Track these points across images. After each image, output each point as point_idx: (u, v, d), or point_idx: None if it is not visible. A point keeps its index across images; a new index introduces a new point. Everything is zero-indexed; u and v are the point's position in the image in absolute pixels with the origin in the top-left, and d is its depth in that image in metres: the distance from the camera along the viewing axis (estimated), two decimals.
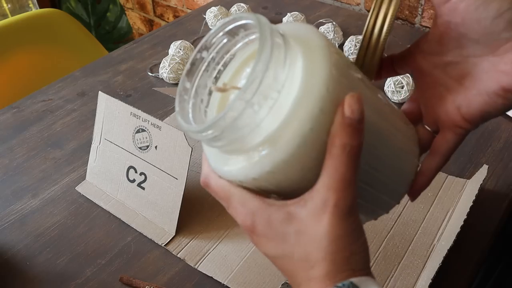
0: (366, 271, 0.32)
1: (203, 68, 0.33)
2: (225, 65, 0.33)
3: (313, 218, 0.31)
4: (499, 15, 0.31)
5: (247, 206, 0.32)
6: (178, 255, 0.61)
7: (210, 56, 0.32)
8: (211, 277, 0.58)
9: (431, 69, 0.37)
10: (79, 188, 0.71)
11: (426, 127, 0.40)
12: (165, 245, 0.62)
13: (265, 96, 0.28)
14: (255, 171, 0.30)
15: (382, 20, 0.37)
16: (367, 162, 0.33)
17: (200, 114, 0.32)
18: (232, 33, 0.32)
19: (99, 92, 0.69)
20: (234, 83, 0.33)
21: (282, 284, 0.55)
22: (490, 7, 0.31)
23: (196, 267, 0.60)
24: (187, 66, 0.32)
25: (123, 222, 0.66)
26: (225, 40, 0.32)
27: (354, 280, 0.31)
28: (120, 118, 0.67)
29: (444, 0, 0.33)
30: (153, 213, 0.65)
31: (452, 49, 0.35)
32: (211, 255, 0.61)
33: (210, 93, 0.33)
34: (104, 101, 0.68)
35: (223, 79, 0.33)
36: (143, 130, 0.65)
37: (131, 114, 0.66)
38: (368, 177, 0.34)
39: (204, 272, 0.59)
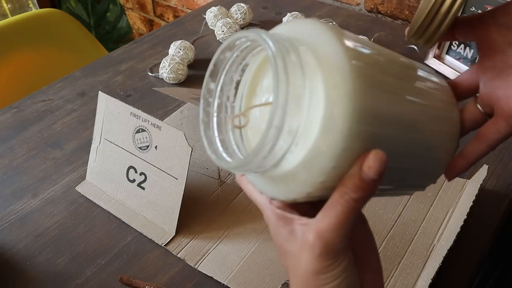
0: None
1: (228, 65, 0.33)
2: (246, 66, 0.33)
3: (298, 248, 0.31)
4: None
5: (263, 211, 0.33)
6: (178, 255, 0.61)
7: (235, 55, 0.32)
8: (211, 277, 0.58)
9: (505, 46, 0.32)
10: (79, 188, 0.71)
11: (479, 106, 0.36)
12: (165, 245, 0.62)
13: (288, 125, 0.27)
14: (281, 196, 0.31)
15: None
16: (402, 145, 0.32)
17: (225, 119, 0.32)
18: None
19: (99, 92, 0.69)
20: (252, 91, 0.33)
21: (282, 284, 0.55)
22: None
23: (196, 267, 0.60)
24: (210, 66, 0.32)
25: (123, 222, 0.66)
26: (248, 43, 0.32)
27: None
28: (120, 118, 0.67)
29: None
30: (153, 213, 0.65)
31: None
32: (211, 255, 0.61)
33: (236, 87, 0.33)
34: (104, 101, 0.68)
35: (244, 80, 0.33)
36: (143, 130, 0.65)
37: (131, 114, 0.66)
38: (402, 160, 0.33)
39: (204, 272, 0.59)
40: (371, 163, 0.27)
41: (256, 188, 0.33)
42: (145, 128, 0.64)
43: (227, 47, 0.32)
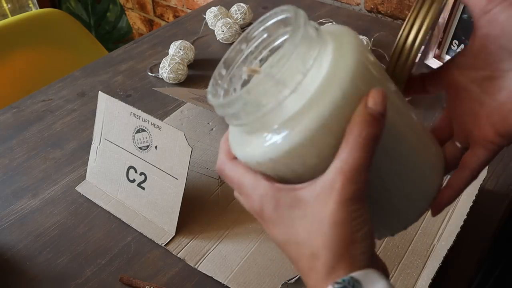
0: (367, 262, 0.31)
1: (241, 59, 0.33)
2: (262, 60, 0.34)
3: (319, 201, 0.31)
4: None
5: (257, 191, 0.32)
6: (178, 255, 0.61)
7: (249, 50, 0.33)
8: (211, 277, 0.58)
9: (467, 84, 0.36)
10: (79, 188, 0.71)
11: (457, 143, 0.40)
12: (165, 245, 0.62)
13: (290, 76, 0.29)
14: (272, 151, 0.30)
15: (418, 28, 0.35)
16: (387, 174, 0.33)
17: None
18: (272, 29, 0.33)
19: (99, 92, 0.69)
20: None
21: (282, 284, 0.55)
22: None
23: (196, 267, 0.60)
24: (226, 54, 0.33)
25: (123, 222, 0.66)
26: (265, 35, 0.33)
27: (355, 274, 0.30)
28: (120, 118, 0.67)
29: (483, 12, 0.32)
30: (153, 213, 0.65)
31: (491, 63, 0.34)
32: (211, 255, 0.61)
33: (244, 84, 0.34)
34: (104, 101, 0.68)
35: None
36: (143, 130, 0.65)
37: (131, 114, 0.66)
38: (387, 190, 0.34)
39: (204, 272, 0.59)
40: (375, 98, 0.29)
41: (246, 167, 0.33)
42: (145, 128, 0.64)
43: (244, 38, 0.33)
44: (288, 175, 0.32)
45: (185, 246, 0.62)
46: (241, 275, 0.58)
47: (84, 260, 0.61)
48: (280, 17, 0.32)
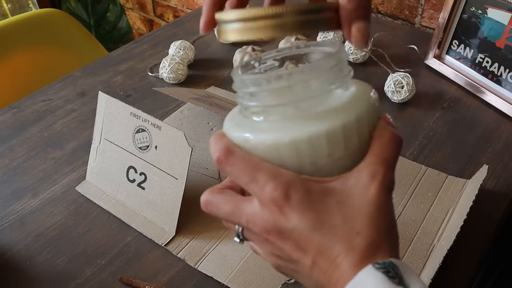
0: (398, 255, 0.33)
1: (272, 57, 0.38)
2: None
3: (358, 188, 0.32)
4: None
5: (281, 178, 0.32)
6: (178, 255, 0.61)
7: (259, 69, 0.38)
8: (211, 277, 0.58)
9: None
10: (79, 188, 0.71)
11: None
12: (165, 245, 0.62)
13: (328, 80, 0.34)
14: (297, 134, 0.32)
15: None
16: None
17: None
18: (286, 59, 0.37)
19: (99, 92, 0.69)
20: None
21: (282, 284, 0.55)
22: None
23: (196, 267, 0.60)
24: (241, 63, 0.38)
25: (123, 222, 0.66)
26: (276, 64, 0.37)
27: (394, 260, 0.31)
28: (120, 118, 0.67)
29: None
30: (153, 213, 0.65)
31: None
32: (211, 255, 0.61)
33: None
34: (104, 101, 0.68)
35: None
36: (143, 130, 0.65)
37: (131, 114, 0.66)
38: None
39: (204, 272, 0.59)
40: (387, 118, 0.36)
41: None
42: (145, 128, 0.64)
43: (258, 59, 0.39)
44: (306, 168, 0.33)
45: (185, 246, 0.62)
46: (241, 275, 0.58)
47: (84, 260, 0.61)
48: (324, 49, 0.38)
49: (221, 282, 0.57)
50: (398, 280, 0.30)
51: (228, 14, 0.35)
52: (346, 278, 0.31)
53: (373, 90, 0.37)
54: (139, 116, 0.65)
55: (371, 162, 0.33)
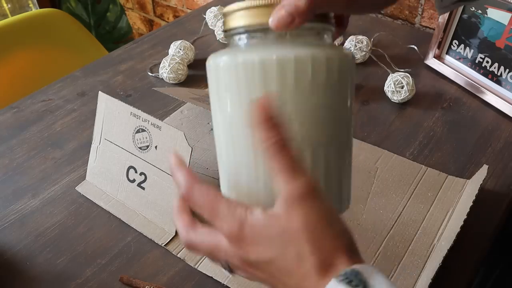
0: (358, 256, 0.32)
1: None
2: None
3: (286, 215, 0.32)
4: None
5: (235, 214, 0.33)
6: (178, 255, 0.61)
7: None
8: (211, 277, 0.58)
9: None
10: (79, 188, 0.71)
11: None
12: (165, 245, 0.62)
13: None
14: (284, 53, 0.35)
15: None
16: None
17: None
18: None
19: (99, 92, 0.69)
20: None
21: None
22: None
23: (196, 267, 0.60)
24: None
25: (123, 222, 0.66)
26: None
27: (356, 267, 0.31)
28: (120, 118, 0.67)
29: None
30: (153, 213, 0.65)
31: None
32: None
33: None
34: (104, 101, 0.68)
35: None
36: (143, 130, 0.65)
37: (131, 114, 0.66)
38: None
39: (204, 272, 0.59)
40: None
41: (216, 193, 0.35)
42: (145, 128, 0.64)
43: None
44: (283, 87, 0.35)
45: None
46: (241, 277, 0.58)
47: (84, 260, 0.61)
48: None
49: (221, 282, 0.57)
50: (362, 286, 0.30)
51: (236, 4, 0.37)
52: None
53: (351, 52, 0.40)
54: (139, 116, 0.65)
55: (275, 183, 0.33)
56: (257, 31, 0.37)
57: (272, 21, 0.35)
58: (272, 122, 0.32)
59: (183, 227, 0.38)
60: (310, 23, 0.37)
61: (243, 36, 0.38)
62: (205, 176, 0.72)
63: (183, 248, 0.62)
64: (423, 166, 0.73)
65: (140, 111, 0.65)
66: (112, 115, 0.68)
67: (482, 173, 0.65)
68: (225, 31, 0.40)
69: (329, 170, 0.37)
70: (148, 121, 0.64)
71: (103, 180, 0.70)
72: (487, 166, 0.65)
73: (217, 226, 0.35)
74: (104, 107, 0.69)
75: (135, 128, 0.65)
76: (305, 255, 0.32)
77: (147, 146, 0.65)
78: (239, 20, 0.37)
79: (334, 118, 0.38)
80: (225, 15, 0.39)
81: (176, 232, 0.63)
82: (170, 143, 0.62)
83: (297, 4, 0.35)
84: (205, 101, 0.77)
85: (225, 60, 0.37)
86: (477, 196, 0.60)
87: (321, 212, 0.32)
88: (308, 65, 0.35)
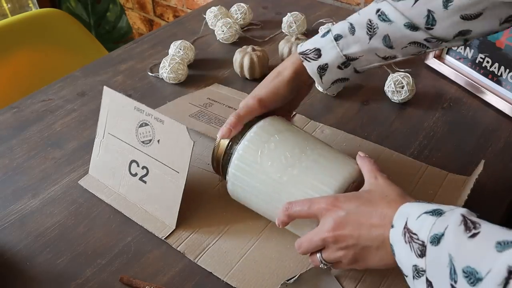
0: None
1: None
2: None
3: (372, 185, 0.52)
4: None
5: (326, 196, 0.53)
6: (178, 249, 0.61)
7: None
8: (211, 277, 0.58)
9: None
10: (82, 182, 0.71)
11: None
12: (165, 238, 0.62)
13: None
14: None
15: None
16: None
17: None
18: None
19: (104, 86, 0.69)
20: None
21: (281, 284, 0.55)
22: None
23: (195, 261, 0.60)
24: None
25: (123, 222, 0.66)
26: None
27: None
28: (124, 113, 0.67)
29: None
30: (154, 207, 0.65)
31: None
32: (211, 250, 0.61)
33: None
34: (109, 95, 0.69)
35: None
36: (146, 124, 0.65)
37: (135, 108, 0.66)
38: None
39: (204, 267, 0.59)
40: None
41: None
42: (148, 122, 0.65)
43: None
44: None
45: (185, 239, 0.62)
46: (240, 273, 0.58)
47: (84, 260, 0.61)
48: None
49: (220, 283, 0.57)
50: (436, 209, 0.44)
51: None
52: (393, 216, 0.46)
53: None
54: (143, 111, 0.65)
55: (369, 172, 0.54)
56: None
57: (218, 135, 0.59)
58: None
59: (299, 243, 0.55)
60: None
61: None
62: (206, 171, 0.72)
63: (183, 242, 0.62)
64: (424, 164, 0.73)
65: (144, 105, 0.65)
66: (116, 110, 0.68)
67: (478, 168, 0.65)
68: None
69: None
70: (152, 115, 0.64)
71: (106, 174, 0.70)
72: (484, 161, 0.65)
73: (315, 207, 0.51)
74: (109, 101, 0.69)
75: (139, 122, 0.66)
76: (386, 193, 0.49)
77: (150, 140, 0.65)
78: None
79: None
80: None
81: (176, 226, 0.63)
82: (173, 137, 0.63)
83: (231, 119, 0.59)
84: (204, 115, 0.79)
85: None
86: (477, 196, 0.60)
87: (389, 181, 0.52)
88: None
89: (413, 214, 0.44)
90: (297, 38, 0.96)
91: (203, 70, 0.98)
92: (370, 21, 0.61)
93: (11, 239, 0.64)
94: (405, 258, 0.44)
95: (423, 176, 0.71)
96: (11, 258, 0.62)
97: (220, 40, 1.08)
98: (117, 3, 1.88)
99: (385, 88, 0.87)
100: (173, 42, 0.99)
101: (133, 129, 0.66)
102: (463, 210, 0.42)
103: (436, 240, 0.40)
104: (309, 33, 1.10)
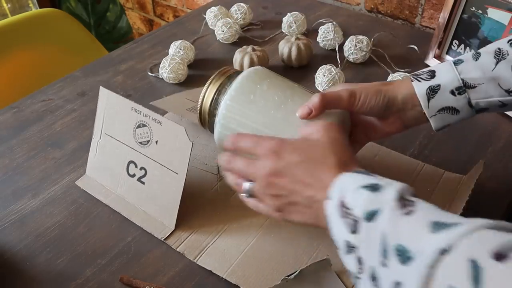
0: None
1: None
2: None
3: (317, 134, 0.50)
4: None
5: (275, 138, 0.51)
6: (178, 249, 0.61)
7: None
8: (211, 277, 0.58)
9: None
10: (79, 183, 0.71)
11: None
12: (164, 239, 0.62)
13: None
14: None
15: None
16: None
17: None
18: None
19: (100, 87, 0.69)
20: None
21: (282, 280, 0.55)
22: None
23: (195, 261, 0.60)
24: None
25: (123, 222, 0.66)
26: None
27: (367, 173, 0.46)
28: (121, 113, 0.67)
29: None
30: (153, 208, 0.65)
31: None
32: (210, 249, 0.61)
33: None
34: (106, 96, 0.69)
35: None
36: (143, 125, 0.65)
37: (132, 109, 0.66)
38: None
39: (203, 266, 0.59)
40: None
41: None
42: (146, 123, 0.65)
43: None
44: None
45: (185, 240, 0.62)
46: (240, 269, 0.58)
47: (84, 260, 0.61)
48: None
49: (221, 282, 0.57)
50: (374, 181, 0.43)
51: None
52: (331, 183, 0.45)
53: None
54: (140, 111, 0.65)
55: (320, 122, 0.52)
56: None
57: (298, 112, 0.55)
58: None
59: (226, 154, 0.54)
60: None
61: None
62: (204, 171, 0.72)
63: (182, 242, 0.62)
64: (420, 162, 0.73)
65: (141, 106, 0.65)
66: (113, 110, 0.68)
67: (478, 168, 0.65)
68: None
69: None
70: (149, 116, 0.64)
71: (103, 174, 0.70)
72: (483, 161, 0.65)
73: (259, 147, 0.50)
74: (106, 102, 0.69)
75: (136, 123, 0.66)
76: (328, 155, 0.48)
77: (148, 141, 0.65)
78: None
79: None
80: None
81: (176, 227, 0.63)
82: (171, 138, 0.63)
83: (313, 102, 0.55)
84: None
85: None
86: (477, 196, 0.60)
87: (341, 138, 0.50)
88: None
89: (350, 188, 0.43)
90: (297, 38, 0.96)
91: (203, 70, 0.98)
92: (499, 49, 0.55)
93: (11, 239, 0.64)
94: (338, 232, 0.43)
95: (420, 174, 0.71)
96: (11, 258, 0.62)
97: (220, 40, 1.08)
98: (117, 3, 1.88)
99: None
100: (173, 42, 0.99)
101: (130, 130, 0.66)
102: (400, 186, 0.41)
103: (370, 217, 0.40)
104: (309, 33, 1.10)
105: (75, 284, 0.58)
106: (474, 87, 0.55)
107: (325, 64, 0.89)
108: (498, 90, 0.54)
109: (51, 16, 1.24)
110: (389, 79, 0.86)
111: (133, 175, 0.67)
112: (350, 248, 0.42)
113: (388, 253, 0.37)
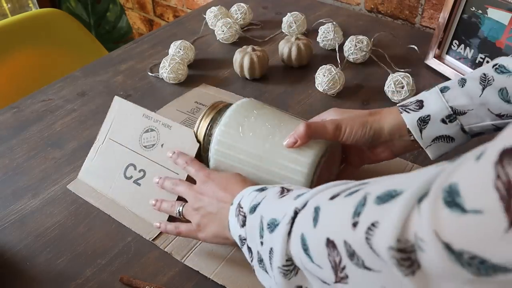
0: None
1: None
2: None
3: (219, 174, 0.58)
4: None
5: (206, 169, 0.60)
6: (165, 249, 0.61)
7: None
8: (211, 278, 0.58)
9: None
10: (70, 187, 0.71)
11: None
12: (152, 240, 0.63)
13: None
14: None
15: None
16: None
17: None
18: None
19: (115, 96, 0.71)
20: None
21: None
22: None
23: (182, 261, 0.60)
24: None
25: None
26: None
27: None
28: (131, 119, 0.68)
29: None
30: (142, 209, 0.65)
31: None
32: (198, 250, 0.61)
33: None
34: (118, 103, 0.70)
35: None
36: (152, 130, 0.66)
37: (143, 115, 0.68)
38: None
39: (190, 266, 0.59)
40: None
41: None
42: (155, 128, 0.66)
43: None
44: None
45: (172, 240, 0.63)
46: (227, 270, 0.58)
47: (84, 260, 0.61)
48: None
49: (219, 283, 0.57)
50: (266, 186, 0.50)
51: None
52: (237, 194, 0.52)
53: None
54: (151, 117, 0.67)
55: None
56: None
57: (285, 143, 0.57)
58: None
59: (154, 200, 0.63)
60: None
61: None
62: None
63: (170, 243, 0.62)
64: (409, 162, 0.73)
65: (153, 113, 0.67)
66: (123, 117, 0.69)
67: None
68: None
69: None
70: (159, 121, 0.66)
71: (96, 177, 0.70)
72: None
73: (197, 175, 0.59)
74: (117, 109, 0.70)
75: (145, 128, 0.67)
76: (239, 176, 0.56)
77: (153, 145, 0.66)
78: None
79: None
80: None
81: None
82: (178, 140, 0.64)
83: (298, 132, 0.56)
84: (192, 122, 0.79)
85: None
86: None
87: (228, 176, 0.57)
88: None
89: (246, 193, 0.50)
90: (297, 38, 0.96)
91: (203, 70, 0.98)
92: (485, 74, 0.54)
93: (11, 239, 0.64)
94: (234, 230, 0.50)
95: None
96: (11, 258, 0.62)
97: (220, 40, 1.08)
98: (117, 3, 1.88)
99: (385, 88, 0.87)
100: (173, 42, 0.99)
101: (137, 135, 0.68)
102: (286, 185, 0.48)
103: (253, 209, 0.47)
104: (309, 33, 1.10)
105: (75, 284, 0.58)
106: (464, 113, 0.55)
107: (325, 64, 0.89)
108: (489, 114, 0.54)
109: (51, 16, 1.24)
110: (389, 79, 0.86)
111: (130, 177, 0.67)
112: (243, 241, 0.49)
113: (264, 231, 0.44)
